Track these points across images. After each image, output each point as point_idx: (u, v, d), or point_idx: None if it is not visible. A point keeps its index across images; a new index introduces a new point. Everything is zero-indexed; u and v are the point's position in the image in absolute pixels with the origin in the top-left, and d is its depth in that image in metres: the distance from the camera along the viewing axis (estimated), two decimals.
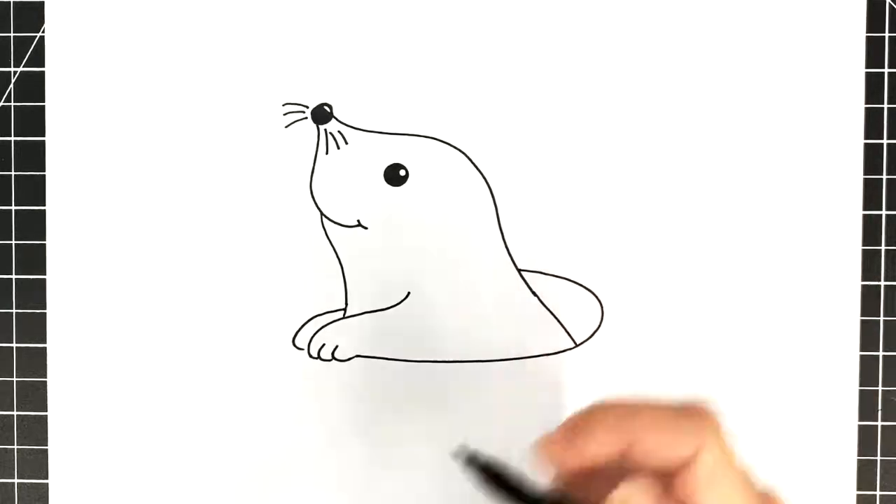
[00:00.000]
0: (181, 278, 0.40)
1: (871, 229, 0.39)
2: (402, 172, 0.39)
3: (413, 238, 0.39)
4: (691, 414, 0.26)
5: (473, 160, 0.39)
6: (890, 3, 0.39)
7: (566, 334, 0.39)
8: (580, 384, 0.39)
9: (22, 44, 0.40)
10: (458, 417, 0.39)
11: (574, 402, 0.39)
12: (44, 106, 0.40)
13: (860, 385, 0.39)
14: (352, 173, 0.39)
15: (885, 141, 0.39)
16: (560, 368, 0.39)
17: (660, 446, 0.26)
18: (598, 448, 0.26)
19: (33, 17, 0.40)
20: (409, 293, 0.39)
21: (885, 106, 0.39)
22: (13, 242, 0.40)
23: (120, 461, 0.40)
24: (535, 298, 0.39)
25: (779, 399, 0.39)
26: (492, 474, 0.28)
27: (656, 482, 0.25)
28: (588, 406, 0.27)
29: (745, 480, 0.26)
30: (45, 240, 0.40)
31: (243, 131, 0.39)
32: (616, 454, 0.26)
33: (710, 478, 0.25)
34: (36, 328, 0.40)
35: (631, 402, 0.26)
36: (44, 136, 0.40)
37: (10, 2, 0.40)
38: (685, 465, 0.25)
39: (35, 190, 0.40)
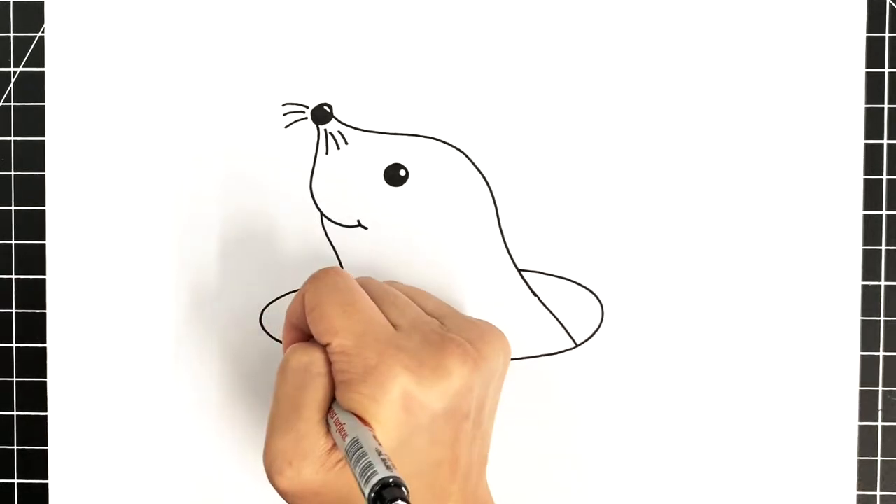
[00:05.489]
0: (181, 279, 0.40)
1: (871, 229, 0.39)
2: (402, 172, 0.39)
3: (413, 238, 0.39)
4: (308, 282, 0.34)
5: (473, 160, 0.39)
6: (890, 3, 0.39)
7: (566, 334, 0.39)
8: (580, 384, 0.39)
9: (22, 44, 0.40)
10: None
11: (574, 402, 0.39)
12: (43, 106, 0.40)
13: (860, 385, 0.39)
14: (352, 173, 0.39)
15: (885, 141, 0.39)
16: (560, 368, 0.39)
17: (297, 312, 0.34)
18: (291, 333, 0.35)
19: (33, 16, 0.40)
20: None
21: (885, 106, 0.39)
22: (13, 242, 0.40)
23: (120, 461, 0.40)
24: (535, 298, 0.39)
25: (779, 399, 0.39)
26: None
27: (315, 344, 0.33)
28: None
29: (346, 300, 0.32)
30: (44, 240, 0.40)
31: (243, 131, 0.39)
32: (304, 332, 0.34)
33: (310, 308, 0.33)
34: (36, 328, 0.40)
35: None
36: (43, 136, 0.40)
37: (10, 2, 0.40)
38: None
39: (35, 190, 0.40)
